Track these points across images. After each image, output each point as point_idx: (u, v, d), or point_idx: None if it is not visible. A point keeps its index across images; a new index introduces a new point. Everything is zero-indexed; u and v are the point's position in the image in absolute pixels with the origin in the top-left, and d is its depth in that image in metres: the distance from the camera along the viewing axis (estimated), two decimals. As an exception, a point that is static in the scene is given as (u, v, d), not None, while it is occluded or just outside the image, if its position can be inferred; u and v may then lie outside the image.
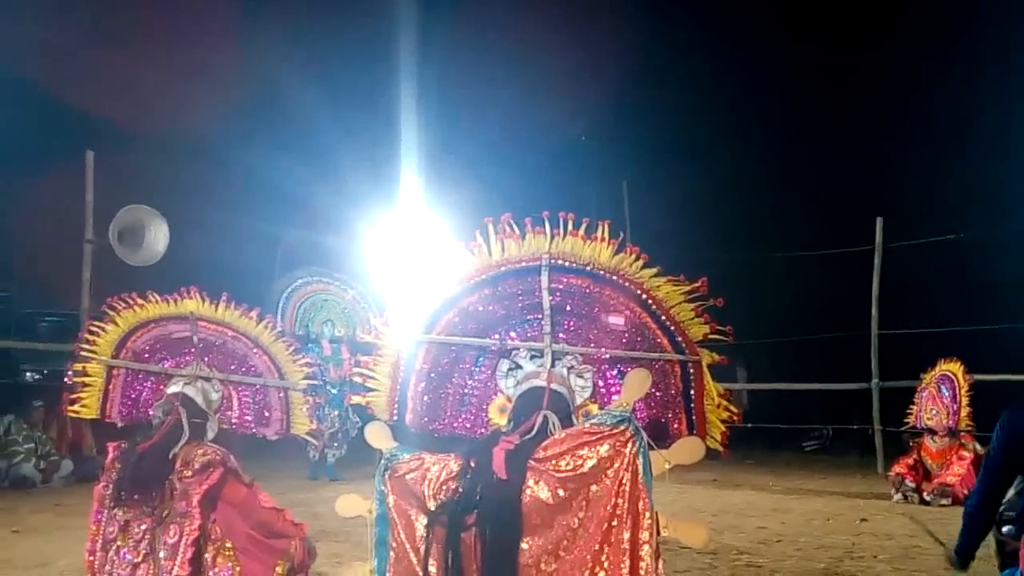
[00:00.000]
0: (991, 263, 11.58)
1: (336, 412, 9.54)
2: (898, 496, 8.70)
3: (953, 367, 8.88)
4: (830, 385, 12.08)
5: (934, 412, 8.81)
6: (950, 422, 8.70)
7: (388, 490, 3.17)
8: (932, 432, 8.82)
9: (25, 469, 8.55)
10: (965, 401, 8.69)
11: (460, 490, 3.01)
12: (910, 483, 8.66)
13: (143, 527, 3.95)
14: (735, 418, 3.28)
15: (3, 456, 8.57)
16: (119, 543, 3.99)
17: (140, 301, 4.31)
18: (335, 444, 9.61)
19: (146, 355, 4.39)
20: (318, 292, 10.16)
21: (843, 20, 14.26)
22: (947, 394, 8.79)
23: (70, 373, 4.50)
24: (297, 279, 10.21)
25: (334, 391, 9.51)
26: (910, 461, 8.86)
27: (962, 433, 8.61)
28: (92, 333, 4.38)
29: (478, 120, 14.96)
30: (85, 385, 4.40)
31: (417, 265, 4.60)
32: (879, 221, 11.19)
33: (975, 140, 12.92)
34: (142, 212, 9.21)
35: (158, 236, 9.19)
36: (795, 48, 14.88)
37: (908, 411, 9.28)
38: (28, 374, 11.67)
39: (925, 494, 8.50)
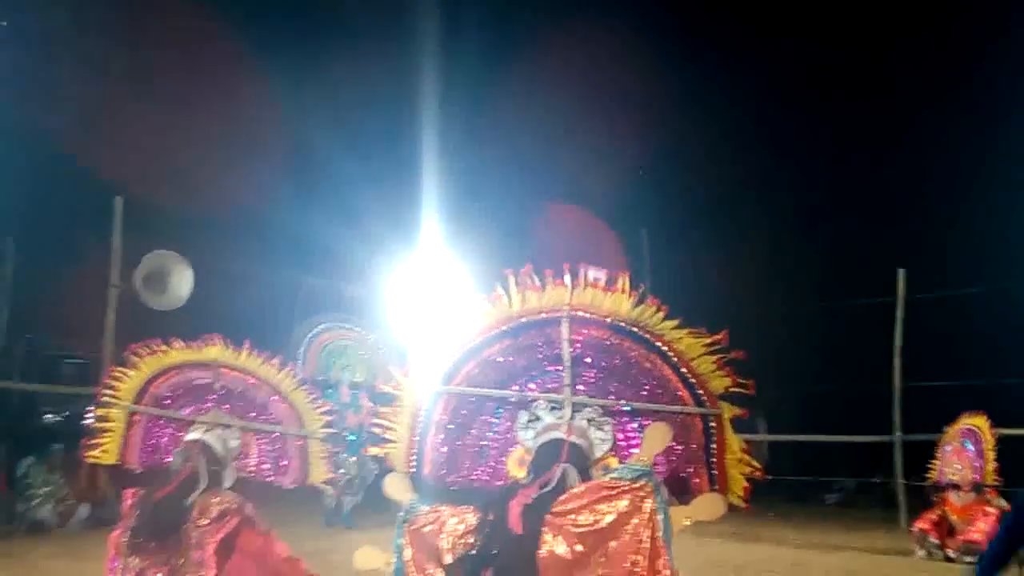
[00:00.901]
0: (1015, 315, 11.46)
1: (353, 458, 9.49)
2: (922, 553, 8.50)
3: (978, 421, 8.73)
4: (852, 437, 11.91)
5: (958, 467, 8.65)
6: (975, 477, 8.53)
7: (406, 543, 3.16)
8: (956, 487, 8.66)
9: (42, 513, 8.54)
10: (991, 456, 8.54)
11: (477, 544, 3.00)
12: (934, 539, 8.47)
13: None
14: (757, 474, 3.25)
15: (21, 499, 8.57)
16: (134, 591, 3.97)
17: (163, 347, 4.35)
18: (351, 491, 9.54)
19: (167, 401, 4.42)
20: (338, 338, 10.20)
21: (865, 73, 14.36)
22: (972, 448, 8.64)
23: (91, 418, 4.53)
24: (318, 325, 10.26)
25: (352, 437, 9.47)
26: (934, 517, 8.67)
27: (987, 488, 8.45)
28: (114, 378, 4.42)
29: (501, 168, 15.10)
30: (105, 430, 4.43)
31: (438, 314, 4.61)
32: (901, 273, 11.13)
33: (996, 193, 12.88)
34: (167, 258, 9.33)
35: (182, 281, 9.29)
36: (819, 100, 14.97)
37: (930, 465, 9.12)
38: (48, 416, 11.73)
39: (949, 551, 8.31)
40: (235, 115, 12.96)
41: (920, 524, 8.72)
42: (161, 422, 4.45)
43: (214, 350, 4.32)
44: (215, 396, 4.34)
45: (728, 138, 15.32)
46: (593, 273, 3.28)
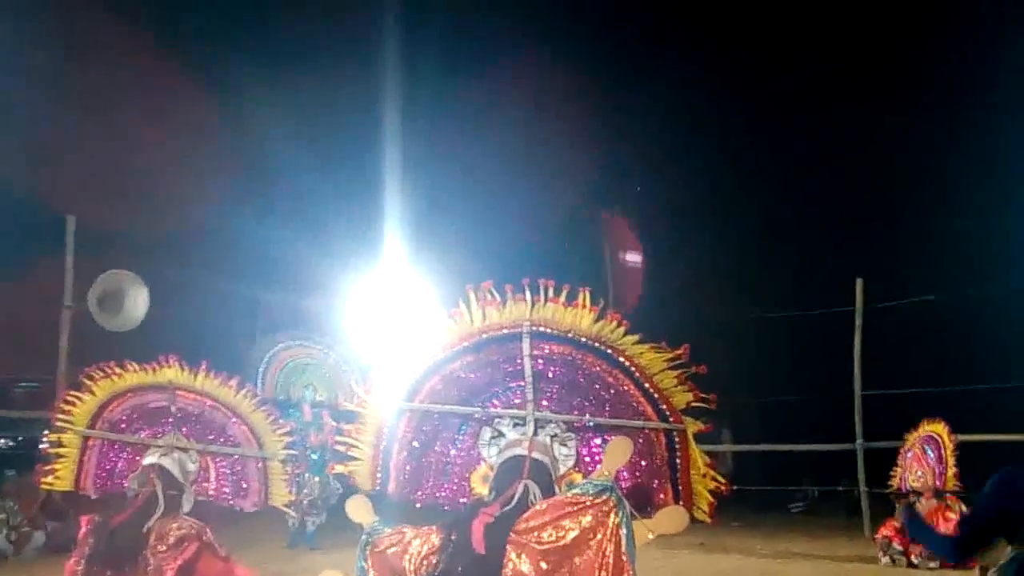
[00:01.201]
0: (973, 324, 11.68)
1: (316, 478, 9.37)
2: (886, 559, 8.59)
3: (937, 428, 8.85)
4: (813, 446, 12.01)
5: (920, 474, 8.76)
6: (937, 483, 8.65)
7: (369, 566, 3.11)
8: (918, 494, 8.77)
9: (-4, 540, 8.35)
10: (951, 462, 8.65)
11: (441, 565, 2.96)
12: (897, 546, 8.56)
13: (115, 604, 3.85)
14: (722, 489, 3.25)
15: (-27, 527, 8.36)
16: (90, 620, 3.88)
17: (118, 370, 4.26)
18: (315, 511, 9.41)
19: (123, 425, 4.32)
20: (299, 356, 10.07)
21: (824, 86, 14.59)
22: (932, 455, 8.75)
23: (45, 444, 4.43)
24: (278, 343, 10.13)
25: (315, 456, 9.34)
26: (897, 524, 8.76)
27: (948, 495, 8.56)
28: (68, 403, 4.32)
29: (464, 181, 15.08)
30: (60, 456, 4.33)
31: (400, 330, 4.58)
32: (859, 283, 11.30)
33: (952, 203, 13.13)
34: (122, 277, 9.15)
35: (138, 302, 9.12)
36: (779, 113, 15.16)
37: (892, 472, 9.23)
38: (1, 442, 11.46)
39: (913, 557, 8.39)
40: (191, 130, 12.81)
41: (884, 531, 8.82)
42: (117, 446, 4.36)
43: (170, 372, 4.24)
44: (172, 419, 4.25)
45: (688, 151, 15.47)
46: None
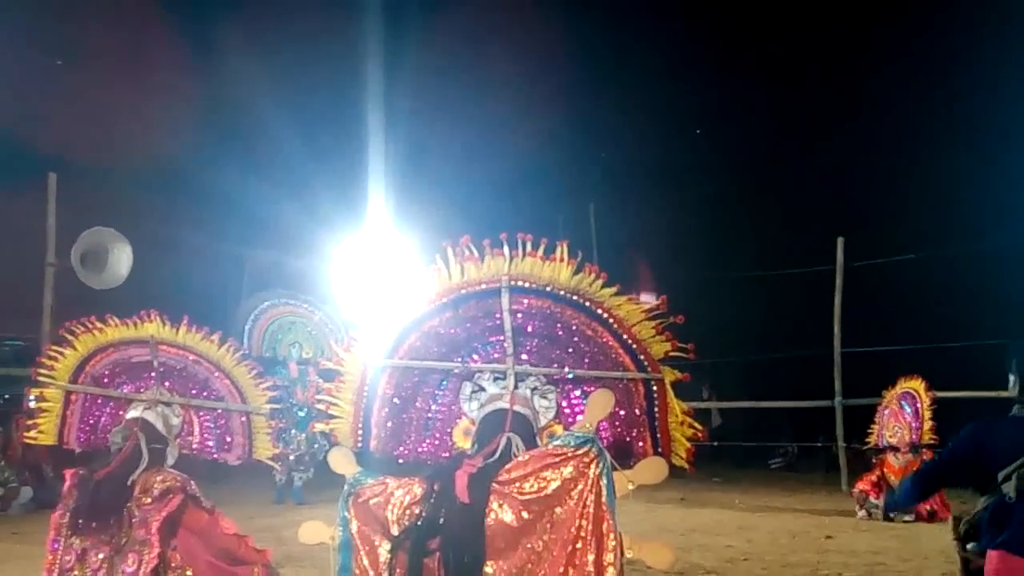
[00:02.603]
0: (950, 282, 11.78)
1: (303, 435, 9.44)
2: (862, 513, 8.77)
3: (915, 384, 9.00)
4: (792, 403, 12.17)
5: (896, 429, 8.91)
6: (913, 437, 8.80)
7: (352, 516, 3.15)
8: (895, 449, 8.92)
9: (-18, 496, 8.38)
10: (928, 416, 8.80)
11: (423, 515, 3.00)
12: (874, 500, 8.74)
13: (101, 556, 3.89)
14: (700, 435, 3.29)
15: (-38, 484, 8.40)
16: (76, 572, 3.91)
17: (99, 325, 4.26)
18: (302, 467, 9.50)
19: (105, 380, 4.33)
20: (285, 314, 10.09)
21: (806, 43, 14.51)
22: (909, 411, 8.90)
23: (28, 399, 4.44)
24: (264, 301, 10.13)
25: (301, 414, 9.41)
26: (873, 478, 8.94)
27: (924, 449, 8.72)
28: (50, 358, 4.32)
29: (447, 142, 14.99)
30: (43, 411, 4.34)
31: (382, 286, 4.59)
32: (840, 241, 11.36)
33: (932, 161, 13.17)
34: (105, 235, 9.08)
35: (121, 259, 9.07)
36: (759, 70, 15.10)
37: (870, 429, 9.37)
38: (-14, 400, 11.44)
39: (888, 511, 8.58)
40: (176, 85, 12.66)
41: (860, 485, 8.99)
42: (100, 401, 4.37)
43: (151, 327, 4.22)
44: (155, 373, 4.26)
45: (671, 109, 15.40)
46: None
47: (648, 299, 3.35)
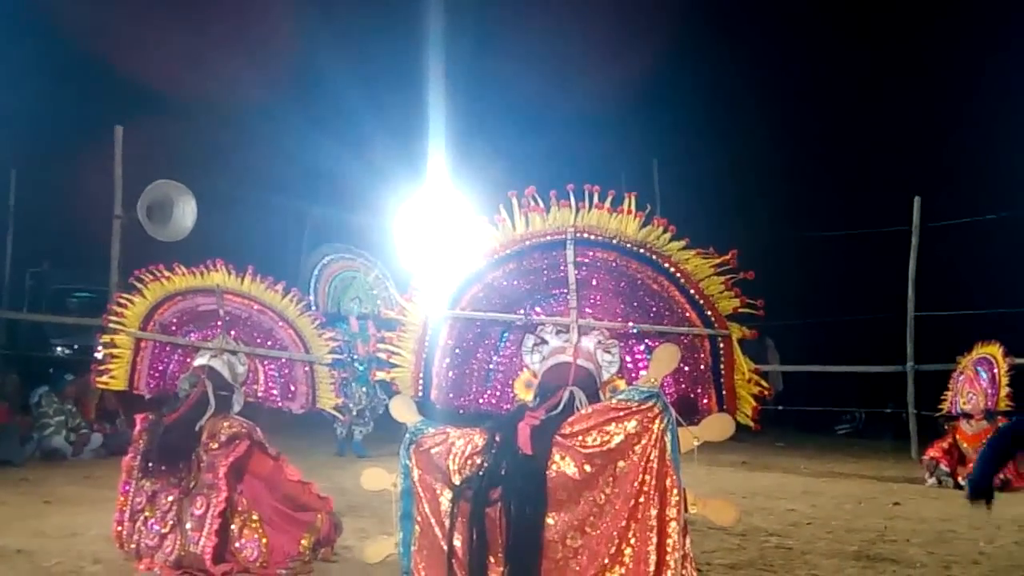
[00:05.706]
0: (1031, 244, 11.32)
1: (364, 388, 9.53)
2: (932, 480, 8.54)
3: (992, 349, 8.67)
4: (863, 368, 11.88)
5: (971, 395, 8.63)
6: (988, 404, 8.50)
7: (413, 464, 3.15)
8: (968, 416, 8.65)
9: (56, 442, 8.64)
10: (1004, 382, 8.50)
11: (485, 465, 2.98)
12: (944, 468, 8.49)
13: (170, 498, 3.98)
14: (766, 393, 3.20)
15: (35, 428, 8.66)
16: (147, 514, 4.02)
17: (167, 274, 4.32)
18: (362, 421, 9.61)
19: (173, 327, 4.40)
20: (346, 269, 10.16)
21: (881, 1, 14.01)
22: (985, 376, 8.60)
23: (99, 346, 4.54)
24: (325, 256, 10.21)
25: (361, 368, 9.49)
26: (945, 445, 8.69)
27: (999, 416, 8.43)
28: (120, 306, 4.41)
29: (508, 96, 14.87)
30: (113, 357, 4.44)
31: (443, 240, 4.55)
32: (917, 201, 10.97)
33: (1016, 120, 12.62)
34: (170, 187, 9.20)
35: (186, 211, 9.18)
36: (832, 24, 14.63)
37: (943, 396, 9.10)
38: (59, 348, 11.80)
39: (960, 479, 8.32)
40: (241, 43, 12.74)
41: (931, 452, 8.75)
42: (168, 348, 4.45)
43: (217, 276, 4.28)
44: (221, 322, 4.32)
45: (740, 67, 15.02)
46: None
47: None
